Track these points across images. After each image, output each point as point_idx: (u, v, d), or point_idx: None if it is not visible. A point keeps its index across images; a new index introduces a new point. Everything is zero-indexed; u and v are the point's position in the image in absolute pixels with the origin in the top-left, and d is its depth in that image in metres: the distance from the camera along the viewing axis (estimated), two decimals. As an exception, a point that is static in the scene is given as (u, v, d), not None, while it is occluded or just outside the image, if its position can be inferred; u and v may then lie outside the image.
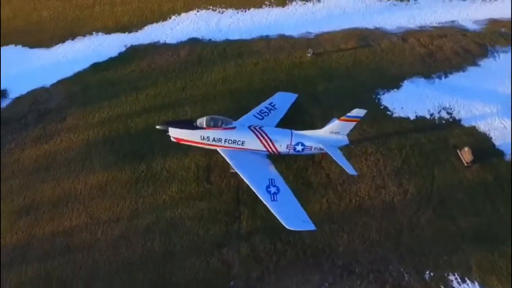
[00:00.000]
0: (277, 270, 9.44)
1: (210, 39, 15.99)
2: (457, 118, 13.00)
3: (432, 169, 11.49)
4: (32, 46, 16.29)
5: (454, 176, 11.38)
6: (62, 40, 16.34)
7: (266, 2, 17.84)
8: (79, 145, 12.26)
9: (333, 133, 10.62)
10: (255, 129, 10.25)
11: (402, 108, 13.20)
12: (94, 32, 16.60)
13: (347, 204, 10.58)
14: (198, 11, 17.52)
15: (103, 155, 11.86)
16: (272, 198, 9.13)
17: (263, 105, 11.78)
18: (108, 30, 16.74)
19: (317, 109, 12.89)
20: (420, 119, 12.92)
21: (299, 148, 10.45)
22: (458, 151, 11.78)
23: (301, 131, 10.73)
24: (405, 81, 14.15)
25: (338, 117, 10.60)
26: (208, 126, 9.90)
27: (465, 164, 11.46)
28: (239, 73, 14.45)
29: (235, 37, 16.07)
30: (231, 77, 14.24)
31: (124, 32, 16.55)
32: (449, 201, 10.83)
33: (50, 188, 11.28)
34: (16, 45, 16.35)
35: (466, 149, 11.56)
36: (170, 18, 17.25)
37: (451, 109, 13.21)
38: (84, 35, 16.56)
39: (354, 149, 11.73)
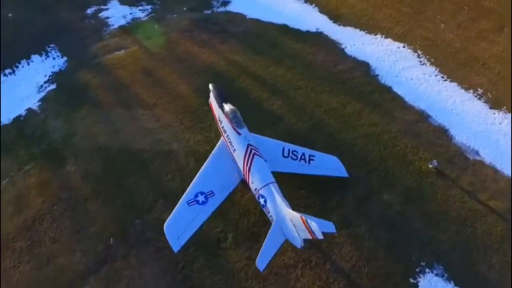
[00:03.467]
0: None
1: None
2: None
3: None
4: None
5: None
6: None
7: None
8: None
9: (292, 223, 8.22)
10: (250, 149, 9.27)
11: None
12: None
13: None
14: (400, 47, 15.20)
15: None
16: (199, 203, 8.79)
17: (305, 150, 10.13)
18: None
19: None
20: None
21: (261, 201, 8.91)
22: None
23: (277, 192, 8.83)
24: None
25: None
26: (227, 115, 9.77)
27: None
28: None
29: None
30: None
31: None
32: None
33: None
34: None
35: None
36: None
37: None
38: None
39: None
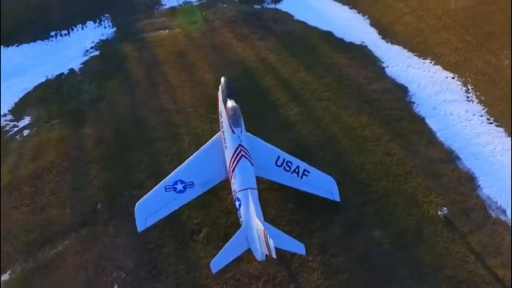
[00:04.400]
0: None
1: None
2: None
3: None
4: None
5: None
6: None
7: None
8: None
9: (257, 233, 7.80)
10: (240, 150, 9.02)
11: None
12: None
13: None
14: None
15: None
16: (176, 190, 8.81)
17: (302, 164, 9.62)
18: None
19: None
20: None
21: (236, 204, 8.68)
22: None
23: (253, 200, 8.48)
24: None
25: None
26: (227, 111, 9.61)
27: None
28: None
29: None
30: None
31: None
32: None
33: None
34: None
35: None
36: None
37: None
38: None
39: None
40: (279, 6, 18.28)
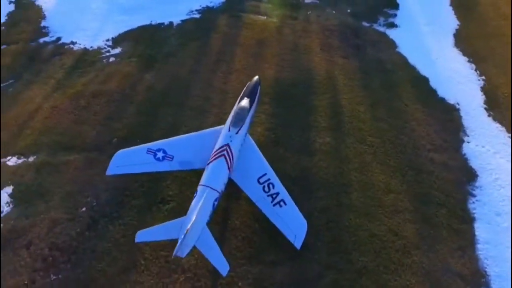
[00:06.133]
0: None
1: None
2: None
3: None
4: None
5: None
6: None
7: None
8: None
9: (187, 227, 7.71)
10: (224, 149, 8.96)
11: None
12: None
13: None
14: None
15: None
16: (155, 157, 9.24)
17: (285, 194, 8.98)
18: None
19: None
20: None
21: (194, 194, 8.76)
22: None
23: (206, 200, 8.45)
24: None
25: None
26: (236, 108, 9.75)
27: None
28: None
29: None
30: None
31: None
32: None
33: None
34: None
35: None
36: None
37: None
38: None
39: None
40: (389, 31, 16.53)
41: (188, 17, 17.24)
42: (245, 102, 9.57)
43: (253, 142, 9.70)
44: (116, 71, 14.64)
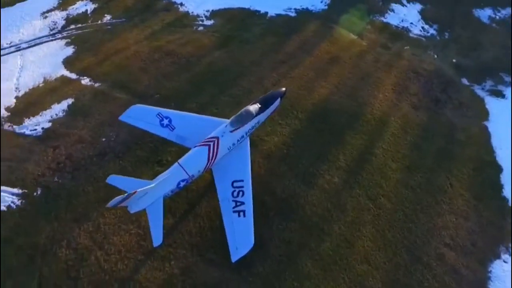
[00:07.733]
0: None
1: None
2: None
3: None
4: None
5: None
6: None
7: None
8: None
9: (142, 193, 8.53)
10: (212, 141, 9.25)
11: None
12: None
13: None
14: None
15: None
16: (160, 121, 10.00)
17: (249, 206, 8.86)
18: None
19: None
20: None
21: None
22: None
23: (174, 176, 9.16)
24: None
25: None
26: (244, 108, 9.87)
27: None
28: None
29: None
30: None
31: None
32: None
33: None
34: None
35: None
36: None
37: None
38: None
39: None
40: (490, 99, 13.91)
41: (283, 12, 17.43)
42: (253, 108, 9.58)
43: (248, 147, 9.70)
44: (197, 39, 15.98)
